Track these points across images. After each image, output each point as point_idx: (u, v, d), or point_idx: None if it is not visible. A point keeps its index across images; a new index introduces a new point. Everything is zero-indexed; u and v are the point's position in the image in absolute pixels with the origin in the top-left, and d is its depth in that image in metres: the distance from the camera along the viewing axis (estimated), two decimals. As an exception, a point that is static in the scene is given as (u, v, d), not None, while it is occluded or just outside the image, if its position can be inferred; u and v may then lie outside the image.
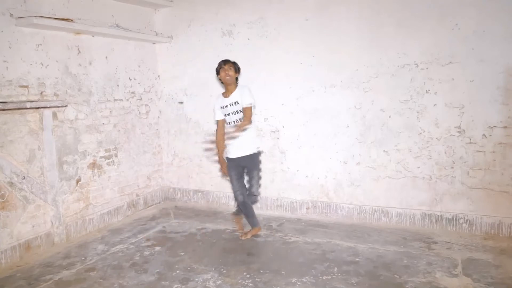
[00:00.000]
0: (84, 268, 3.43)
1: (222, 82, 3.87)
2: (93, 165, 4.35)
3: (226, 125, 3.88)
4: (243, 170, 3.94)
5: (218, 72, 3.80)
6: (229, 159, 3.91)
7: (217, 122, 3.94)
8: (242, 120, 3.75)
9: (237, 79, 3.84)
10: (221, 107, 3.86)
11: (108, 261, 3.57)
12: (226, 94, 3.83)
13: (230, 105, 3.78)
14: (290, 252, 3.68)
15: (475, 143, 3.93)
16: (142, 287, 3.10)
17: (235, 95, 3.77)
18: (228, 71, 3.73)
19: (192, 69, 5.07)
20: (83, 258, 3.63)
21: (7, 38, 3.51)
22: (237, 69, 3.81)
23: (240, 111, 3.75)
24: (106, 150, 4.51)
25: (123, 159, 4.74)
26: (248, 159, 3.85)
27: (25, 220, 3.67)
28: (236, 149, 3.83)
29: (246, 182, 3.99)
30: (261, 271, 3.30)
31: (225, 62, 3.77)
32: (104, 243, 3.99)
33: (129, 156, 4.84)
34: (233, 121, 3.82)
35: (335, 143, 4.47)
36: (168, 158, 5.40)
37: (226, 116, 3.85)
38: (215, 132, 4.00)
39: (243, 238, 3.96)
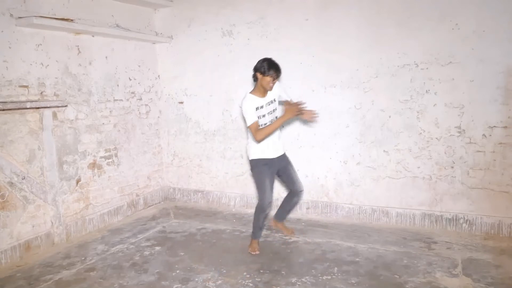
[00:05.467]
0: (84, 268, 3.43)
1: (260, 85, 3.48)
2: (93, 165, 4.35)
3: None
4: (275, 173, 3.69)
5: (265, 73, 3.39)
6: (263, 160, 3.56)
7: (253, 124, 3.44)
8: (277, 118, 3.54)
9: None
10: (256, 109, 3.47)
11: (108, 261, 3.57)
12: (261, 95, 3.51)
13: (266, 104, 3.53)
14: (290, 252, 3.68)
15: (475, 143, 3.93)
16: (142, 287, 3.10)
17: (269, 94, 3.55)
18: (274, 82, 3.45)
19: (192, 69, 5.07)
20: (83, 258, 3.63)
21: (7, 38, 3.51)
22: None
23: (276, 110, 3.59)
24: (106, 150, 4.51)
25: (123, 159, 4.74)
26: (283, 158, 3.70)
27: (25, 220, 3.67)
28: (274, 148, 3.61)
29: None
30: (261, 271, 3.30)
31: (279, 72, 3.42)
32: (104, 243, 3.99)
33: (129, 156, 4.84)
34: (270, 121, 3.52)
35: (335, 143, 4.47)
36: (168, 158, 5.40)
37: (260, 118, 3.49)
38: (256, 136, 3.46)
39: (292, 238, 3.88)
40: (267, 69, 3.38)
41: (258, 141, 3.50)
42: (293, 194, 3.82)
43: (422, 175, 4.15)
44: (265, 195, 3.54)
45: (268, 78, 3.40)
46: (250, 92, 3.54)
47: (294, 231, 4.07)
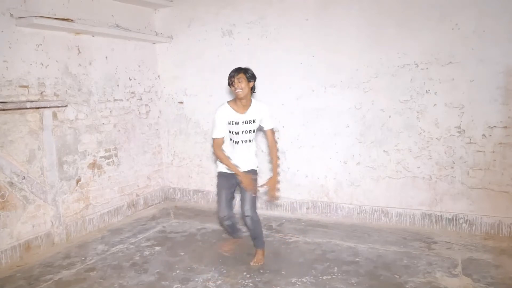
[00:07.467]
0: (84, 268, 3.43)
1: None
2: (93, 165, 4.35)
3: (230, 143, 3.31)
4: (235, 186, 3.41)
5: (229, 84, 3.20)
6: (221, 174, 3.39)
7: (217, 140, 3.24)
8: (252, 140, 3.32)
9: (253, 89, 3.25)
10: (229, 123, 3.21)
11: (108, 261, 3.57)
12: (239, 109, 3.22)
13: (243, 122, 3.22)
14: (290, 252, 3.68)
15: (475, 143, 3.93)
16: (142, 287, 3.10)
17: (251, 113, 3.23)
18: (239, 84, 3.14)
19: (192, 69, 5.07)
20: (83, 258, 3.63)
21: (7, 38, 3.51)
22: (249, 78, 3.19)
23: (253, 131, 3.28)
24: (106, 150, 4.51)
25: (123, 159, 4.74)
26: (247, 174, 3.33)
27: (25, 220, 3.67)
28: (239, 163, 3.30)
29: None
30: (261, 271, 3.30)
31: (236, 72, 3.17)
32: (104, 243, 3.99)
33: (129, 156, 4.84)
34: (242, 141, 3.27)
35: (335, 143, 4.47)
36: (168, 158, 5.40)
37: (233, 133, 3.25)
38: (214, 151, 3.34)
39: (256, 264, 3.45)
40: (229, 76, 3.19)
41: (216, 156, 3.38)
42: (242, 218, 3.41)
43: (422, 175, 4.15)
44: (219, 209, 3.41)
45: (232, 88, 3.19)
46: (228, 102, 3.28)
47: (261, 262, 3.45)
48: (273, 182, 3.35)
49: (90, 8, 4.25)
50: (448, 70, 3.94)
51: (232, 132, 3.26)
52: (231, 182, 3.37)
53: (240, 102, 3.22)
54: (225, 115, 3.22)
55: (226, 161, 3.26)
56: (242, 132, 3.25)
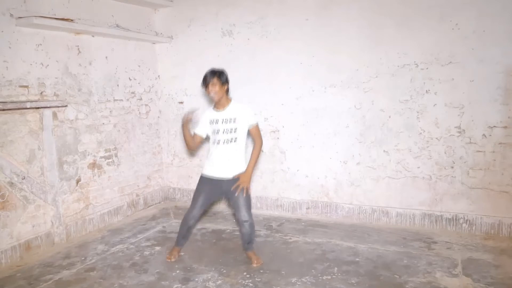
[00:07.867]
0: (84, 268, 3.43)
1: None
2: (93, 165, 4.35)
3: (213, 145, 3.35)
4: (218, 195, 3.54)
5: (204, 88, 3.31)
6: (207, 179, 3.39)
7: (194, 135, 3.45)
8: (236, 140, 3.27)
9: (227, 91, 3.32)
10: (210, 122, 3.34)
11: (108, 261, 3.57)
12: (218, 107, 3.32)
13: (223, 121, 3.28)
14: (290, 252, 3.68)
15: (475, 143, 3.93)
16: (142, 287, 3.10)
17: (230, 111, 3.29)
18: (213, 88, 3.22)
19: (192, 69, 5.07)
20: (83, 258, 3.63)
21: (7, 38, 3.51)
22: (224, 82, 3.25)
23: (235, 130, 3.26)
24: (106, 150, 4.51)
25: (123, 159, 4.74)
26: (232, 182, 3.31)
27: (25, 220, 3.67)
28: (220, 169, 3.32)
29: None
30: (261, 271, 3.30)
31: (210, 76, 3.22)
32: (104, 243, 3.99)
33: (129, 156, 4.84)
34: (224, 141, 3.27)
35: (335, 143, 4.47)
36: (168, 158, 5.40)
37: (214, 133, 3.33)
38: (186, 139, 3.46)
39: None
40: (203, 80, 3.28)
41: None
42: (239, 224, 3.45)
43: (422, 175, 4.15)
44: (193, 207, 3.43)
45: (206, 91, 3.29)
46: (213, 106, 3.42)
47: (261, 261, 3.44)
48: (244, 176, 3.31)
49: (90, 8, 4.25)
50: (448, 70, 3.94)
51: (213, 132, 3.35)
52: (214, 190, 3.40)
53: (218, 102, 3.32)
54: (208, 115, 3.39)
55: (185, 136, 3.44)
56: (223, 131, 3.28)
